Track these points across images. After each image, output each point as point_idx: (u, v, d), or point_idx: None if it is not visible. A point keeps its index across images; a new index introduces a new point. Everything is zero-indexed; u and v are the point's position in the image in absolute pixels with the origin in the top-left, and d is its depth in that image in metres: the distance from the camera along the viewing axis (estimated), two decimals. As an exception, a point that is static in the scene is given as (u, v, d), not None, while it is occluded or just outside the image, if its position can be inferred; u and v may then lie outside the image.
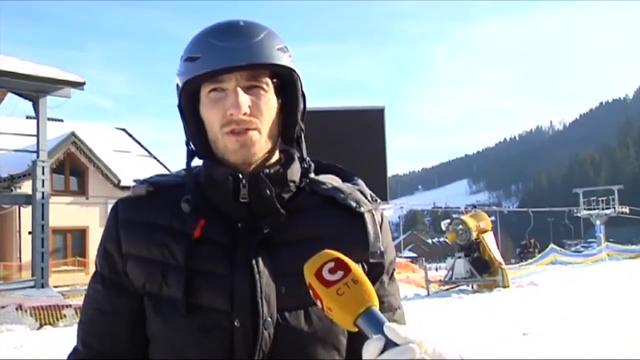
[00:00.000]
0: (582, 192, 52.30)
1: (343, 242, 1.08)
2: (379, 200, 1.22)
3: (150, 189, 1.17)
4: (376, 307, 0.84)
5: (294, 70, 1.13)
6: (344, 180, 1.22)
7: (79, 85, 18.06)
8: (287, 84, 1.14)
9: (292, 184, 1.16)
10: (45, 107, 17.96)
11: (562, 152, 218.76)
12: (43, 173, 17.63)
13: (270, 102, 1.12)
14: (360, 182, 1.23)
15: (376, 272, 1.15)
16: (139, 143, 30.02)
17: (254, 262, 1.07)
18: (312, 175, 1.19)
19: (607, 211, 47.87)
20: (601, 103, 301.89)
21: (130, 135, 30.45)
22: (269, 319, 1.05)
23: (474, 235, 19.67)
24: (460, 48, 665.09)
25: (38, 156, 17.66)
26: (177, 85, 1.14)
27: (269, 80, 1.12)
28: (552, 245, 34.86)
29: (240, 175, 1.10)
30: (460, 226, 20.10)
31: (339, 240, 1.08)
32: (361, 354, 0.80)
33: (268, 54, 1.09)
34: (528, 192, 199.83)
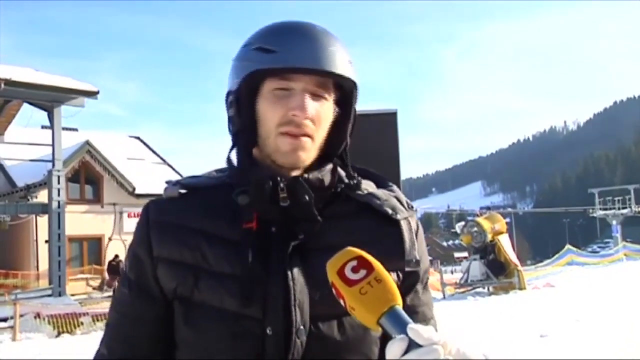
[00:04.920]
0: (597, 192, 51.89)
1: (378, 250, 1.05)
2: (414, 207, 1.20)
3: (183, 190, 1.15)
4: (399, 306, 0.83)
5: (356, 87, 1.13)
6: (377, 185, 1.20)
7: (92, 94, 18.23)
8: (345, 97, 1.13)
9: (328, 190, 1.14)
10: (60, 116, 18.14)
11: (577, 152, 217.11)
12: (59, 182, 17.80)
13: (329, 114, 1.11)
14: (395, 188, 1.21)
15: (411, 281, 1.13)
16: (153, 150, 30.13)
17: (288, 268, 1.05)
18: (346, 180, 1.17)
19: (624, 211, 47.44)
20: (615, 102, 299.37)
21: (144, 143, 30.58)
22: (302, 327, 1.03)
23: (489, 237, 19.60)
24: (471, 49, 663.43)
25: (53, 165, 17.84)
26: (234, 70, 1.12)
27: (332, 92, 1.11)
28: (568, 246, 34.60)
29: (279, 179, 1.08)
30: (475, 228, 20.05)
31: (374, 248, 1.05)
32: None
33: (342, 65, 1.08)
34: (543, 193, 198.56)
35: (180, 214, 1.12)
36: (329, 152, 1.15)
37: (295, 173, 1.10)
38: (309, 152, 1.09)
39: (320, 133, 1.10)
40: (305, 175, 1.10)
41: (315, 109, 1.07)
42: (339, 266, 0.86)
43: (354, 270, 0.85)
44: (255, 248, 1.07)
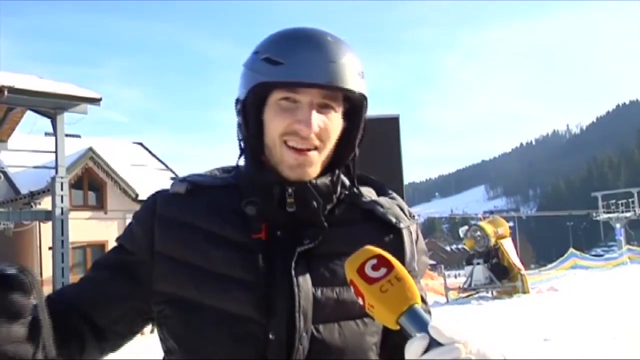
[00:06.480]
0: (601, 196, 51.96)
1: None
2: (415, 217, 1.21)
3: (190, 187, 1.14)
4: (419, 305, 0.83)
5: (366, 99, 1.12)
6: (378, 193, 1.21)
7: (95, 101, 18.24)
8: (355, 109, 1.13)
9: (334, 196, 1.14)
10: (63, 123, 18.17)
11: (580, 156, 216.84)
12: (62, 189, 17.80)
13: (337, 125, 1.11)
14: (396, 195, 1.21)
15: None
16: (156, 157, 30.16)
17: (293, 274, 1.05)
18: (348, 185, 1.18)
19: (627, 214, 47.44)
20: (618, 105, 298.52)
21: (147, 149, 30.61)
22: (305, 333, 1.03)
23: (492, 241, 19.59)
24: (473, 53, 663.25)
25: (57, 172, 17.84)
26: (243, 78, 1.12)
27: (341, 103, 1.11)
28: (571, 250, 34.55)
29: (287, 184, 1.09)
30: (478, 233, 20.04)
31: None
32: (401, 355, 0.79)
33: (350, 78, 1.07)
34: (546, 196, 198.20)
35: (187, 212, 1.12)
36: (336, 160, 1.15)
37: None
38: (315, 165, 1.10)
39: (327, 145, 1.10)
40: (313, 181, 1.10)
41: (322, 122, 1.07)
42: (359, 264, 0.85)
43: (374, 268, 0.84)
44: (264, 255, 1.07)
